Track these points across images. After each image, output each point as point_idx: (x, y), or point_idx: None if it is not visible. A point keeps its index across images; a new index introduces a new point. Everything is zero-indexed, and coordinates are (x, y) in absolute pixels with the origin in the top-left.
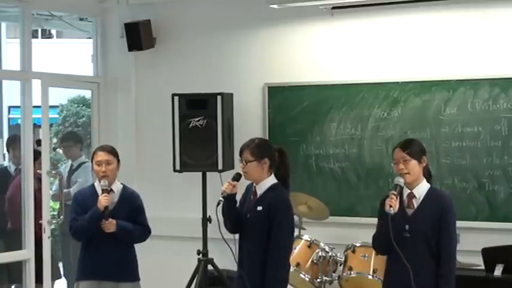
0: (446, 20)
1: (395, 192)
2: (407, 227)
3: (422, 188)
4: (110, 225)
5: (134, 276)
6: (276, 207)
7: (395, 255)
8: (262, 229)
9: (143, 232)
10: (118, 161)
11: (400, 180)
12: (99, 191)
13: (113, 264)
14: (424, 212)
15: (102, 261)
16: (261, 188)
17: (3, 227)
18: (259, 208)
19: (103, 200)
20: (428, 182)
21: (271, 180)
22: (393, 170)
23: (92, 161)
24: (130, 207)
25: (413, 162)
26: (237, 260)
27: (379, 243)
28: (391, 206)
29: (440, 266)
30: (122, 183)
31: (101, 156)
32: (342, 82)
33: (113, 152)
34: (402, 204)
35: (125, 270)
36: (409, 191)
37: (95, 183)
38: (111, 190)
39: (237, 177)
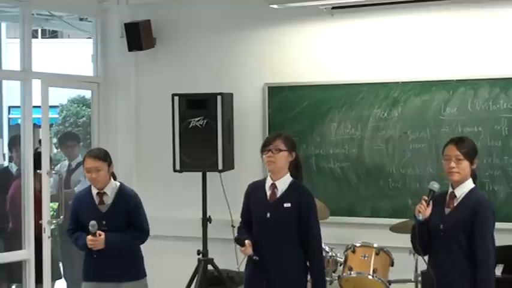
0: (446, 20)
1: (426, 198)
2: (441, 226)
3: (464, 188)
4: (99, 243)
5: (137, 275)
6: (307, 202)
7: (430, 259)
8: (292, 225)
9: (138, 237)
10: (109, 163)
11: (435, 186)
12: (94, 194)
13: (113, 266)
14: (458, 213)
15: (103, 263)
16: (282, 184)
17: (3, 227)
18: (287, 205)
19: (89, 244)
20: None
21: (289, 176)
22: (393, 170)
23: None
24: (125, 209)
25: (466, 163)
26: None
27: (414, 246)
28: (420, 212)
29: (478, 270)
30: (119, 182)
31: (89, 163)
32: (342, 82)
33: (100, 157)
34: (444, 203)
35: (126, 269)
36: (452, 190)
37: (91, 185)
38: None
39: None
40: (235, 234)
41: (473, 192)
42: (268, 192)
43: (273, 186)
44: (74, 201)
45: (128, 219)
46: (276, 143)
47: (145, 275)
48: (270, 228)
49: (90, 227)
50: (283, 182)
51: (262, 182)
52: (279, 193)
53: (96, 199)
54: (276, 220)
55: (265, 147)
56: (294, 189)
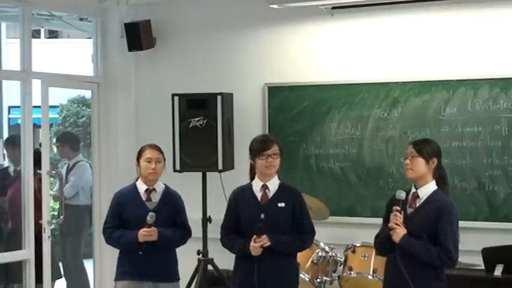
0: (447, 20)
1: (398, 208)
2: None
3: (427, 190)
4: (153, 233)
5: (173, 277)
6: (300, 201)
7: (393, 259)
8: (286, 223)
9: (184, 236)
10: (164, 160)
11: (402, 195)
12: (141, 190)
13: (152, 264)
14: (421, 214)
15: (142, 261)
16: (273, 185)
17: (3, 227)
18: (281, 205)
19: (142, 236)
20: (441, 187)
21: (277, 178)
22: (393, 170)
23: (137, 159)
24: (172, 208)
25: (420, 160)
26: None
27: (379, 246)
28: (396, 225)
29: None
30: (164, 184)
31: (151, 153)
32: (342, 82)
33: (160, 150)
34: (406, 203)
35: (164, 270)
36: (414, 190)
37: (137, 182)
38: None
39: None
40: (225, 241)
41: (437, 194)
42: (259, 194)
43: (264, 188)
44: (116, 197)
45: (173, 218)
46: (274, 148)
47: (179, 279)
48: (264, 229)
49: (148, 218)
50: (274, 183)
51: (247, 186)
52: (271, 194)
53: (144, 196)
54: (270, 220)
55: (263, 151)
56: (284, 189)
